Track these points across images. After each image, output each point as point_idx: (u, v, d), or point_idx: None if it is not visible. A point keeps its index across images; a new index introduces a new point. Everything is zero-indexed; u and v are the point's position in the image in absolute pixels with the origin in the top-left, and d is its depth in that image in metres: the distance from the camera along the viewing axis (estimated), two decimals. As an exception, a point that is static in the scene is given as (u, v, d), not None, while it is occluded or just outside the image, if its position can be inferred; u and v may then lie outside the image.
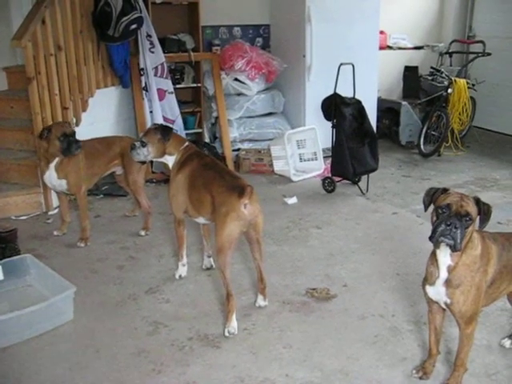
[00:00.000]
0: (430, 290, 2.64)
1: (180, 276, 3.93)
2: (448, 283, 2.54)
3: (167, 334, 3.26)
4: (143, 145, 3.66)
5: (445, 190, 2.55)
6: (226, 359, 3.01)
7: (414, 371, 2.89)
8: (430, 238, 2.47)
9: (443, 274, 2.55)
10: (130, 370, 2.93)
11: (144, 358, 3.04)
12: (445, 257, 2.52)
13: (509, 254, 2.64)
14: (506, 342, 3.14)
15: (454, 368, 2.72)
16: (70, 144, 4.24)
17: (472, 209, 2.42)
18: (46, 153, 4.31)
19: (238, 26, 7.38)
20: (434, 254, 2.60)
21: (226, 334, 3.22)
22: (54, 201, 5.13)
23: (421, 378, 2.86)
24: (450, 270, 2.52)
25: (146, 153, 3.67)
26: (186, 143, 3.76)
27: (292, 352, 3.09)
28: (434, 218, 2.50)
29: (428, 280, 2.64)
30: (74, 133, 4.32)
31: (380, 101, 7.48)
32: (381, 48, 7.68)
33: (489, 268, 2.57)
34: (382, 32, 7.87)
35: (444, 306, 2.64)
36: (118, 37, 5.66)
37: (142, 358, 3.04)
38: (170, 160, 3.72)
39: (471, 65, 7.72)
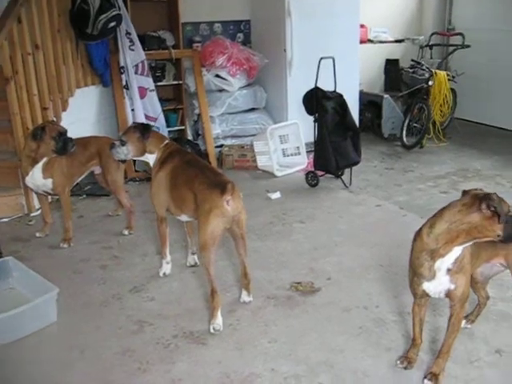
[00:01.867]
0: (429, 285, 2.61)
1: (164, 274, 3.91)
2: (450, 271, 2.54)
3: (152, 333, 3.25)
4: (123, 144, 3.65)
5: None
6: (211, 355, 3.00)
7: (399, 361, 2.90)
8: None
9: (450, 265, 2.54)
10: (115, 370, 2.91)
11: (129, 357, 3.03)
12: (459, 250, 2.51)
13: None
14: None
15: (439, 355, 2.74)
16: (65, 143, 4.24)
17: None
18: (34, 153, 4.26)
19: (218, 22, 7.36)
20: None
21: (211, 330, 3.21)
22: (36, 202, 5.08)
23: (405, 368, 2.87)
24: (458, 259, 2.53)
25: (125, 152, 3.66)
26: (166, 141, 3.74)
27: (277, 346, 3.09)
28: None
29: (425, 276, 2.59)
30: (67, 131, 4.31)
31: (362, 94, 7.51)
32: (362, 42, 7.70)
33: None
34: (362, 26, 7.88)
35: (443, 296, 2.65)
36: (97, 35, 5.62)
37: (126, 357, 3.02)
38: (150, 158, 3.70)
39: (451, 57, 7.76)
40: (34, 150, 4.25)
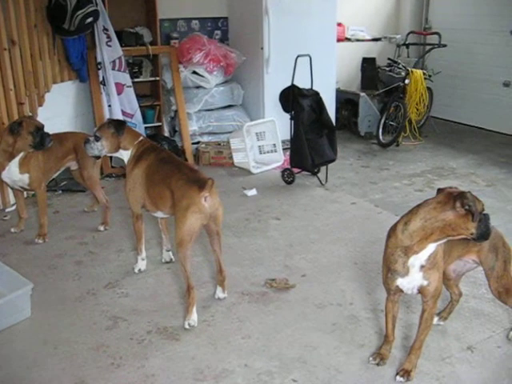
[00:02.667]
0: (402, 281, 2.66)
1: (139, 270, 3.92)
2: (424, 267, 2.59)
3: (126, 328, 3.26)
4: (97, 139, 3.65)
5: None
6: (185, 351, 3.02)
7: (371, 358, 2.94)
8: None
9: (423, 261, 2.58)
10: (88, 365, 2.92)
11: (103, 352, 3.04)
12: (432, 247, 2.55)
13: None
14: (435, 319, 3.15)
15: (411, 351, 2.79)
16: (43, 137, 4.24)
17: None
18: (11, 148, 4.24)
19: (196, 18, 7.34)
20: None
21: (186, 326, 3.23)
22: (11, 198, 5.04)
23: (378, 364, 2.92)
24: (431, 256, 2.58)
25: (99, 147, 3.66)
26: (141, 137, 3.75)
27: (251, 342, 3.12)
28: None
29: (399, 272, 2.63)
30: (44, 126, 4.30)
31: (339, 92, 7.55)
32: (339, 40, 7.73)
33: None
34: (340, 24, 7.92)
35: (415, 292, 2.70)
36: (74, 30, 5.58)
37: (100, 353, 3.03)
38: (124, 155, 3.70)
39: (428, 56, 7.86)
40: (11, 145, 4.23)
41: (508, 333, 3.19)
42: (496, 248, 2.86)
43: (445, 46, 7.35)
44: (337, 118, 7.29)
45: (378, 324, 3.29)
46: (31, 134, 4.20)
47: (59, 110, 5.88)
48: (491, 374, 2.89)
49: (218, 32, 7.49)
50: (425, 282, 2.63)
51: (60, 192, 5.57)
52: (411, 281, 2.64)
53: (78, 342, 3.12)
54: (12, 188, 4.65)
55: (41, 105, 5.50)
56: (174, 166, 3.46)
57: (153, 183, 3.50)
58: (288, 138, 5.83)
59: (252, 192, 5.46)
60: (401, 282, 2.66)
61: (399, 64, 7.50)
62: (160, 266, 4.02)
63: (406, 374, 2.78)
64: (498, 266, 2.88)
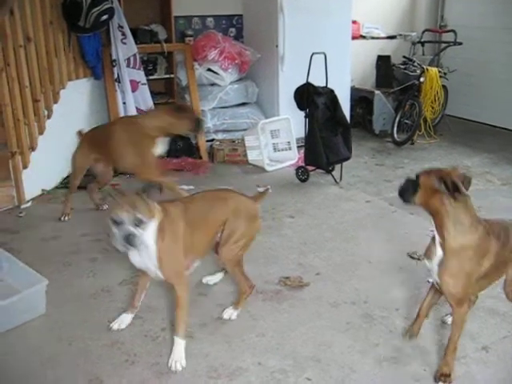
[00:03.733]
0: (427, 263, 2.74)
1: None
2: (441, 263, 2.60)
3: (140, 325, 3.26)
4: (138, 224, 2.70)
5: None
6: (199, 349, 3.02)
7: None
8: None
9: (439, 251, 2.62)
10: (102, 362, 2.92)
11: (117, 349, 3.04)
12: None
13: (504, 249, 2.67)
14: (448, 319, 3.20)
15: (446, 353, 2.76)
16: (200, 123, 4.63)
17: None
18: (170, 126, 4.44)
19: (210, 16, 7.35)
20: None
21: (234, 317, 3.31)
22: (27, 194, 5.08)
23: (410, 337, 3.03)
24: (443, 248, 2.60)
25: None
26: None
27: (265, 340, 3.12)
28: None
29: (426, 254, 2.74)
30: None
31: (353, 90, 7.52)
32: (354, 38, 7.70)
33: (484, 261, 2.60)
34: (354, 22, 7.88)
35: (436, 285, 2.72)
36: (89, 28, 5.60)
37: (115, 350, 3.03)
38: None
39: (443, 54, 7.78)
40: (171, 124, 4.44)
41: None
42: None
43: (460, 43, 7.29)
44: (351, 116, 7.26)
45: (392, 323, 3.27)
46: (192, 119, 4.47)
47: (74, 107, 5.91)
48: (507, 374, 2.87)
49: (233, 29, 7.49)
50: (437, 280, 2.67)
51: (75, 189, 5.57)
52: (431, 269, 2.72)
53: (92, 339, 3.13)
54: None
55: (56, 102, 5.52)
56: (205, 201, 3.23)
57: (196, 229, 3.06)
58: (302, 135, 5.82)
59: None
60: (426, 262, 2.79)
61: (414, 62, 7.45)
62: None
63: (445, 377, 2.74)
64: None
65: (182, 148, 6.18)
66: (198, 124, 4.57)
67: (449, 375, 2.74)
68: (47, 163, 5.38)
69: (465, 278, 2.59)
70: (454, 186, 2.43)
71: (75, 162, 4.71)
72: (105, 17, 5.63)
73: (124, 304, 3.48)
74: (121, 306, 3.47)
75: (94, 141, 4.63)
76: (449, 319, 3.17)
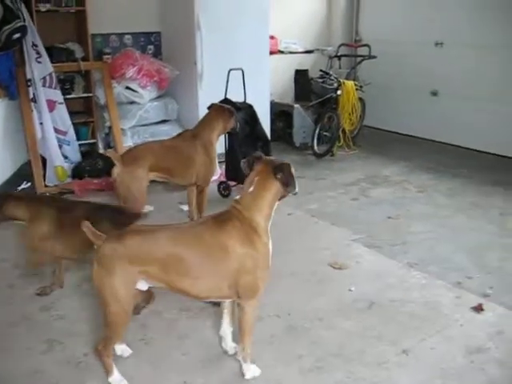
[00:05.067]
0: None
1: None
2: None
3: (62, 352, 3.19)
4: None
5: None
6: (124, 371, 2.95)
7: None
8: None
9: None
10: (22, 393, 2.84)
11: (39, 378, 2.97)
12: None
13: None
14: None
15: None
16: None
17: None
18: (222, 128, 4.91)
19: (128, 33, 7.29)
20: None
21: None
22: None
23: None
24: None
25: None
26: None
27: (190, 358, 3.11)
28: None
29: None
30: None
31: (273, 104, 7.64)
32: (272, 53, 7.82)
33: None
34: (272, 37, 8.00)
35: None
36: (1, 46, 5.44)
37: (36, 379, 2.96)
38: None
39: (359, 67, 8.02)
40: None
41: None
42: None
43: (375, 57, 7.54)
44: (272, 130, 7.34)
45: (316, 333, 3.34)
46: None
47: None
48: (426, 376, 2.97)
49: (151, 47, 7.46)
50: None
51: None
52: None
53: (11, 369, 3.04)
54: None
55: (-32, 124, 5.34)
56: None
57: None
58: (223, 151, 5.85)
59: (187, 207, 5.42)
60: None
61: (331, 75, 7.62)
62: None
63: None
64: None
65: (103, 168, 6.07)
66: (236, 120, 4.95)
67: None
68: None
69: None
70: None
71: (135, 186, 4.33)
72: (17, 35, 5.47)
73: (45, 330, 3.38)
74: (41, 332, 3.37)
75: (157, 157, 4.44)
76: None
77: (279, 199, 2.83)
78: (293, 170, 2.79)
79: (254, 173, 2.79)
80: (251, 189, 2.77)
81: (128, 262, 2.61)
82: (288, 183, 2.73)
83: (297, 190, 2.81)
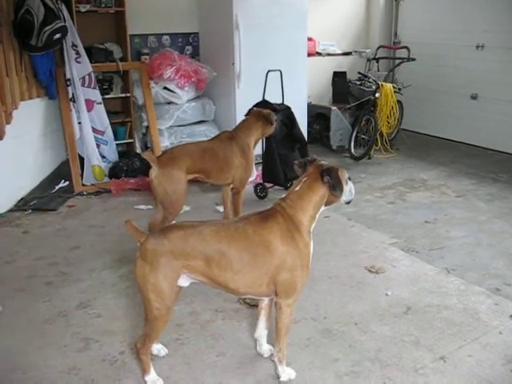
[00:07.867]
0: None
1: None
2: None
3: (98, 350, 3.19)
4: None
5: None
6: (159, 371, 2.94)
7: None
8: None
9: None
10: (58, 389, 2.85)
11: (74, 375, 2.97)
12: None
13: None
14: None
15: None
16: None
17: None
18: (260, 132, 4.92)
19: (166, 34, 7.34)
20: None
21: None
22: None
23: None
24: None
25: None
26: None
27: (225, 360, 3.09)
28: None
29: None
30: None
31: (310, 106, 7.59)
32: (310, 55, 7.79)
33: None
34: (310, 39, 7.97)
35: None
36: (42, 46, 5.50)
37: (71, 376, 2.96)
38: None
39: (398, 69, 7.94)
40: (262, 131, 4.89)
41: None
42: None
43: (414, 59, 7.44)
44: (309, 132, 7.31)
45: (351, 337, 3.28)
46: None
47: (27, 127, 5.79)
48: (463, 383, 2.90)
49: (189, 47, 7.49)
50: None
51: (30, 211, 5.44)
52: None
53: (48, 366, 3.04)
54: None
55: (8, 122, 5.39)
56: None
57: None
58: (260, 152, 5.83)
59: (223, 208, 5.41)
60: None
61: (369, 78, 7.56)
62: (132, 284, 3.93)
63: None
64: None
65: (140, 168, 6.10)
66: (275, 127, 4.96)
67: None
68: (0, 185, 5.25)
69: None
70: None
71: (172, 188, 4.25)
72: (58, 35, 5.54)
73: (81, 328, 3.40)
74: (78, 330, 3.39)
75: (194, 159, 4.39)
76: None
77: (327, 204, 2.80)
78: (345, 175, 2.78)
79: (305, 174, 2.79)
80: (297, 188, 2.78)
81: (172, 257, 2.61)
82: (334, 187, 2.68)
83: (350, 198, 2.82)
